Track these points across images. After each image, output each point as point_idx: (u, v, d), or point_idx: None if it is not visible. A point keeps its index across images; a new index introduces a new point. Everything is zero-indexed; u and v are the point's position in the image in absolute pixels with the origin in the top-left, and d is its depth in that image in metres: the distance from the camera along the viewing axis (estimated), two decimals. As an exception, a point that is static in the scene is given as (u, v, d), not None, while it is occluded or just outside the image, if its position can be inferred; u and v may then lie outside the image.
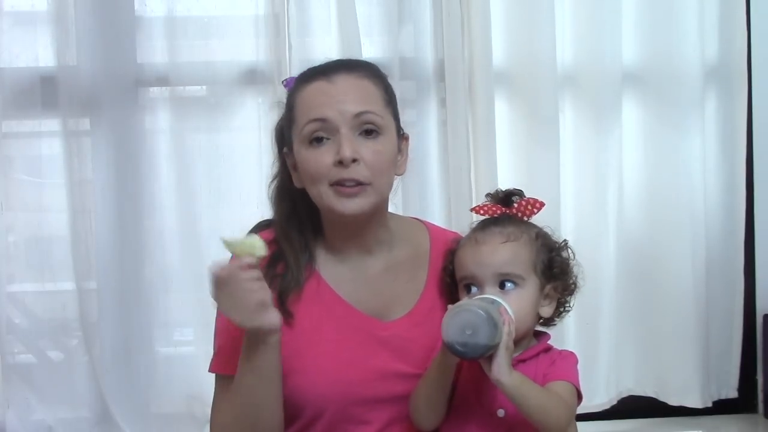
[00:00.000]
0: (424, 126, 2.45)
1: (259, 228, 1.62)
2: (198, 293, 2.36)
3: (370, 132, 1.51)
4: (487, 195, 1.59)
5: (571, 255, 1.55)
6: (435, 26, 2.41)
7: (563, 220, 2.44)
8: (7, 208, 2.38)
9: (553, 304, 1.54)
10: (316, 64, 1.59)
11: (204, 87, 2.43)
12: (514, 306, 1.45)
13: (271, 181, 1.63)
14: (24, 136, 2.47)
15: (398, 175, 1.61)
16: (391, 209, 2.46)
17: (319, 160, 1.49)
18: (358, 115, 1.50)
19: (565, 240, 1.56)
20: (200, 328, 2.38)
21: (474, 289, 1.48)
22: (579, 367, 2.53)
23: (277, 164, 1.63)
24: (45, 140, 2.42)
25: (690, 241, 2.48)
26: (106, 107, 2.36)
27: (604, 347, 2.51)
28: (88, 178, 2.37)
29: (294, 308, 1.55)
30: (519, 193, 1.57)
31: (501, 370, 1.37)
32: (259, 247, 1.44)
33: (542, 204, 1.54)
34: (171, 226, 2.40)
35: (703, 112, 2.48)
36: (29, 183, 2.43)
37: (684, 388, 2.52)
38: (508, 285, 1.47)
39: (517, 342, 1.45)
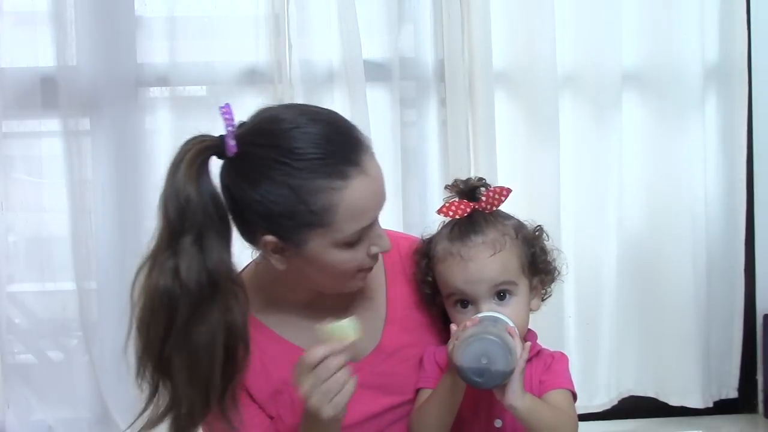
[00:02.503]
0: (424, 126, 2.45)
1: None
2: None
3: None
4: (447, 187, 1.49)
5: (546, 239, 1.49)
6: (435, 26, 2.41)
7: (563, 220, 2.44)
8: (7, 208, 2.38)
9: (539, 296, 1.49)
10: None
11: (204, 87, 2.44)
12: (514, 315, 1.41)
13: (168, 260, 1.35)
14: (24, 136, 2.47)
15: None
16: (391, 211, 2.46)
17: (356, 257, 1.39)
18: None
19: (539, 226, 1.50)
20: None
21: (468, 305, 1.43)
22: (580, 368, 2.56)
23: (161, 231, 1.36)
24: (45, 140, 2.43)
25: (690, 242, 2.48)
26: (106, 107, 2.36)
27: (604, 347, 2.51)
28: (88, 178, 2.37)
29: (264, 379, 1.46)
30: (483, 183, 1.48)
31: (515, 396, 1.32)
32: (354, 329, 1.34)
33: (509, 191, 1.46)
34: (171, 226, 2.40)
35: (703, 112, 2.48)
36: (29, 183, 2.43)
37: (684, 389, 2.52)
38: (506, 295, 1.43)
39: None
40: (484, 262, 1.41)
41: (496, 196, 1.46)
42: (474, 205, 1.46)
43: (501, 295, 1.42)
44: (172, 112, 2.39)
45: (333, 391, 1.31)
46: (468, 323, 1.38)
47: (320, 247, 1.36)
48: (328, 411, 1.30)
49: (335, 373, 1.31)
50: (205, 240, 1.33)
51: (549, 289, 1.51)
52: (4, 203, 2.38)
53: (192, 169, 1.33)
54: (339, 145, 1.34)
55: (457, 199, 1.47)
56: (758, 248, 2.57)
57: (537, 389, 1.43)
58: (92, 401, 2.40)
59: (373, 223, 1.39)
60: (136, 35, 2.39)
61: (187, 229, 1.33)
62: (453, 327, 1.41)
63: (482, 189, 1.48)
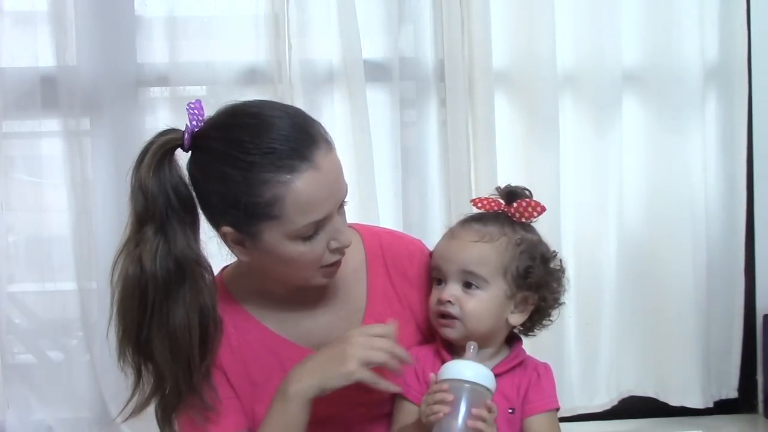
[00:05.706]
0: (424, 126, 2.45)
1: None
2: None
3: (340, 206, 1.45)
4: (497, 189, 1.52)
5: (557, 267, 1.48)
6: (435, 26, 2.41)
7: (563, 220, 2.44)
8: (8, 208, 2.38)
9: (526, 314, 1.47)
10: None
11: (204, 87, 2.44)
12: (474, 309, 1.42)
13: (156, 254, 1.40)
14: (24, 136, 2.47)
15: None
16: (391, 211, 2.46)
17: (314, 250, 1.40)
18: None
19: (555, 251, 1.49)
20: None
21: (441, 284, 1.45)
22: (580, 368, 2.56)
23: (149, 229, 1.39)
24: (45, 140, 2.43)
25: (690, 241, 2.48)
26: (106, 107, 2.37)
27: (604, 347, 2.51)
28: (88, 178, 2.37)
29: (244, 366, 1.49)
30: (523, 193, 1.50)
31: None
32: None
33: (543, 208, 1.46)
34: (171, 226, 2.40)
35: (703, 112, 2.48)
36: (29, 183, 2.43)
37: (684, 389, 2.52)
38: (472, 286, 1.43)
39: (482, 346, 1.41)
40: (464, 243, 1.45)
41: (529, 209, 1.47)
42: (504, 207, 1.48)
43: (467, 283, 1.44)
44: (172, 112, 2.38)
45: (372, 346, 1.38)
46: (442, 390, 1.34)
47: (274, 239, 1.38)
48: (351, 363, 1.38)
49: (381, 337, 1.40)
50: (168, 229, 1.39)
51: (549, 317, 1.50)
52: (4, 203, 2.38)
53: (153, 162, 1.39)
54: (291, 139, 1.37)
55: (495, 197, 1.50)
56: (758, 248, 2.57)
57: (522, 405, 1.44)
58: (92, 401, 2.40)
59: (330, 217, 1.40)
60: (136, 35, 2.39)
61: (150, 218, 1.39)
62: (431, 377, 1.39)
63: (519, 197, 1.49)
